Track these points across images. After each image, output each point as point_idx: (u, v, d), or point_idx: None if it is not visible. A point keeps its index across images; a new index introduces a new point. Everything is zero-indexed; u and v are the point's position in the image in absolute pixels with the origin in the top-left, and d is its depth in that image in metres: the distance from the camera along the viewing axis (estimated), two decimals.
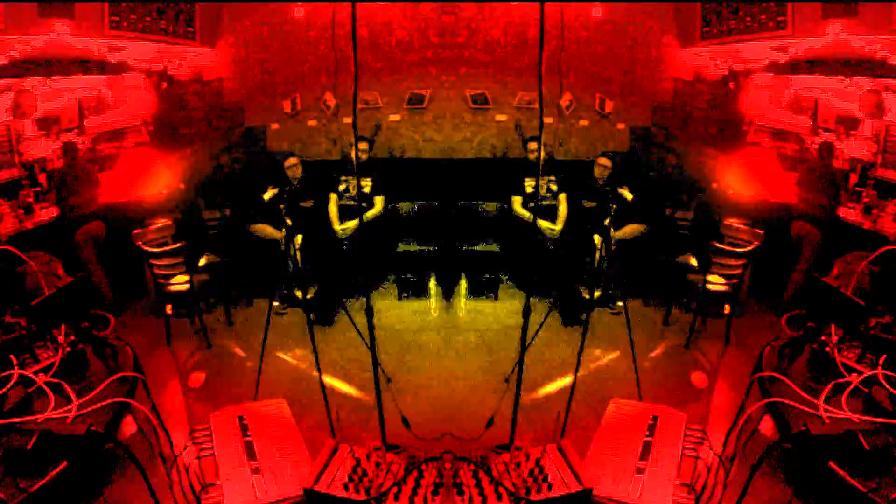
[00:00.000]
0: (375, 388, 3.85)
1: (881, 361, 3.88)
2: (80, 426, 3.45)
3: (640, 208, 6.32)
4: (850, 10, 5.64)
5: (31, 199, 5.94)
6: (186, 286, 5.82)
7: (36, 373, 3.81)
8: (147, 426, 3.81)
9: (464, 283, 6.87)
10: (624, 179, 6.38)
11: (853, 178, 6.16)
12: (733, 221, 6.09)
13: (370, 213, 6.59)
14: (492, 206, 7.15)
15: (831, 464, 3.30)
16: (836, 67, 6.02)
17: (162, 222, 6.10)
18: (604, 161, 6.48)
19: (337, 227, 6.49)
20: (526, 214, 6.56)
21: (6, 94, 5.91)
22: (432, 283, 6.91)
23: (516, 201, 6.65)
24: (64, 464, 3.29)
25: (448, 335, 5.99)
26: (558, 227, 6.48)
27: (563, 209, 6.54)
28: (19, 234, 5.58)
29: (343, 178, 6.62)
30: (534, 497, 3.17)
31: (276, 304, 6.29)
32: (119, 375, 3.93)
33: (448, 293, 6.78)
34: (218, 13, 7.23)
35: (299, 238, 6.23)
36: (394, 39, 7.24)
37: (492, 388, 5.07)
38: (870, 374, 3.79)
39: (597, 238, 6.22)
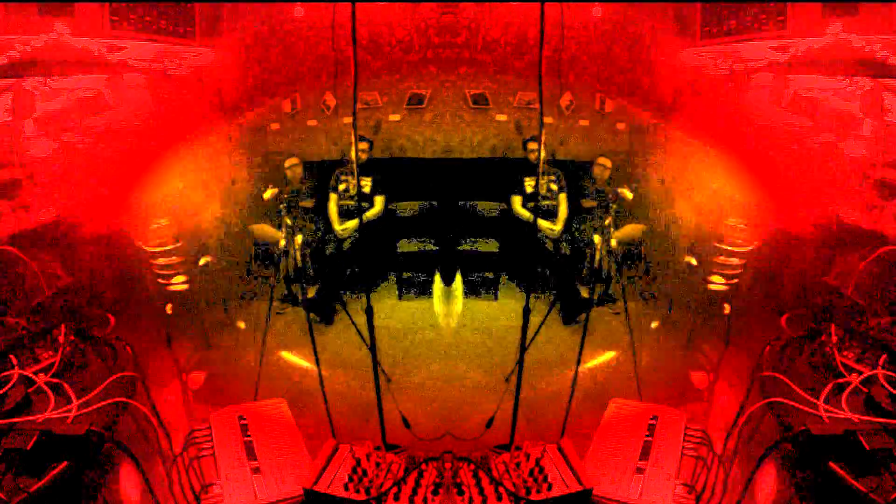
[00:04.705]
0: (375, 388, 3.85)
1: (881, 361, 3.89)
2: (80, 426, 3.45)
3: (640, 208, 6.32)
4: (850, 9, 5.64)
5: (31, 199, 5.94)
6: (186, 286, 5.82)
7: (36, 373, 3.82)
8: (147, 426, 3.81)
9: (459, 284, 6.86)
10: (624, 179, 6.38)
11: (853, 178, 6.16)
12: (733, 221, 6.09)
13: (370, 213, 6.59)
14: (492, 206, 7.14)
15: (831, 464, 3.30)
16: (836, 67, 6.02)
17: (162, 222, 6.10)
18: (604, 161, 6.49)
19: (337, 227, 6.49)
20: (526, 214, 6.56)
21: (6, 94, 5.91)
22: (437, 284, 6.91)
23: (516, 201, 6.64)
24: (64, 464, 3.29)
25: (448, 335, 5.99)
26: (558, 227, 6.48)
27: (563, 209, 6.53)
28: (19, 234, 5.59)
29: (343, 177, 6.61)
30: (534, 497, 3.17)
31: (276, 303, 6.28)
32: (119, 375, 3.94)
33: (447, 293, 6.76)
34: (218, 13, 7.21)
35: (299, 238, 6.23)
36: (394, 39, 7.23)
37: (492, 387, 5.07)
38: (870, 374, 3.79)
39: (597, 238, 6.21)
